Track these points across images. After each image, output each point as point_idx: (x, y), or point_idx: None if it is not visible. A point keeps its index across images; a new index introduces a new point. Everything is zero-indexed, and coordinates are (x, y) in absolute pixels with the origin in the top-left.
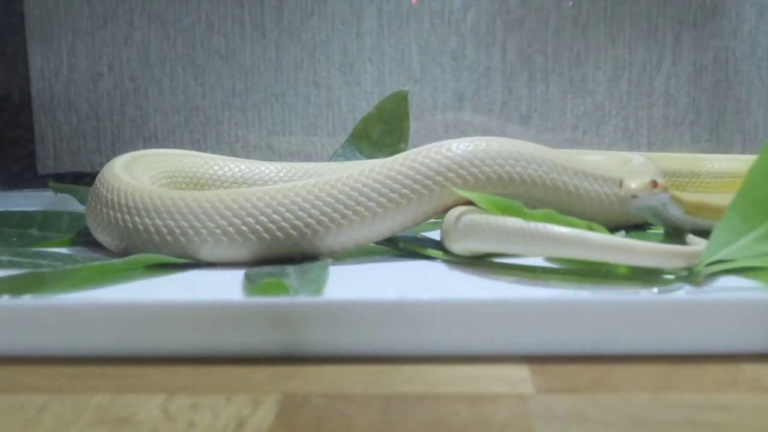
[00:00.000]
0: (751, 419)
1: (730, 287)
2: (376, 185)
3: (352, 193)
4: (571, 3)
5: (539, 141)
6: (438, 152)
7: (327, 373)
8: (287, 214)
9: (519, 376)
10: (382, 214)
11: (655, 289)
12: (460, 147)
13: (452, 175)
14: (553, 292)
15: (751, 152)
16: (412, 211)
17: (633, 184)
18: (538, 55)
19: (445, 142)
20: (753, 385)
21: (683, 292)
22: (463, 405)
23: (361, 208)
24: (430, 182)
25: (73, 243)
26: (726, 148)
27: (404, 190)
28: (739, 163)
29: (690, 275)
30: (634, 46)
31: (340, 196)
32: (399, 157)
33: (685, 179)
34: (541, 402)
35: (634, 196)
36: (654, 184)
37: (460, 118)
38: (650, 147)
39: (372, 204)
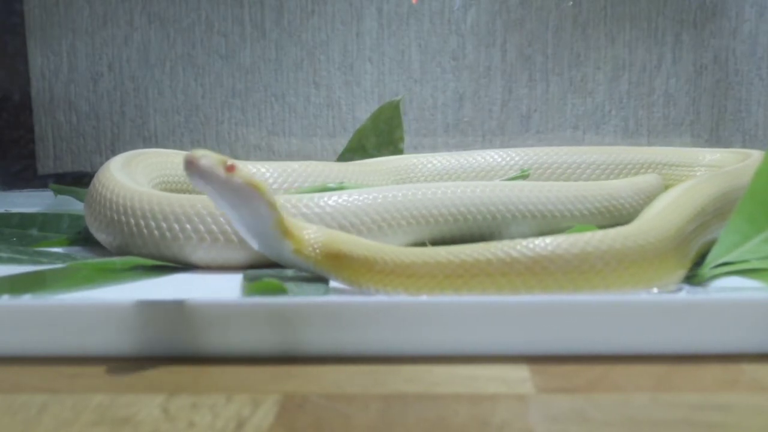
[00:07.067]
0: (751, 419)
1: (731, 287)
2: (379, 210)
3: (359, 211)
4: (571, 3)
5: (539, 141)
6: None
7: (327, 373)
8: None
9: (519, 376)
10: (386, 229)
11: (655, 289)
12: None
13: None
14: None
15: None
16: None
17: (197, 154)
18: (538, 55)
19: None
20: (753, 385)
21: (683, 292)
22: (462, 405)
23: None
24: (407, 214)
25: (72, 243)
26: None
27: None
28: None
29: (695, 277)
30: (634, 46)
31: (336, 214)
32: (401, 189)
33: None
34: (541, 402)
35: (193, 168)
36: (228, 166)
37: (460, 118)
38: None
39: (375, 219)
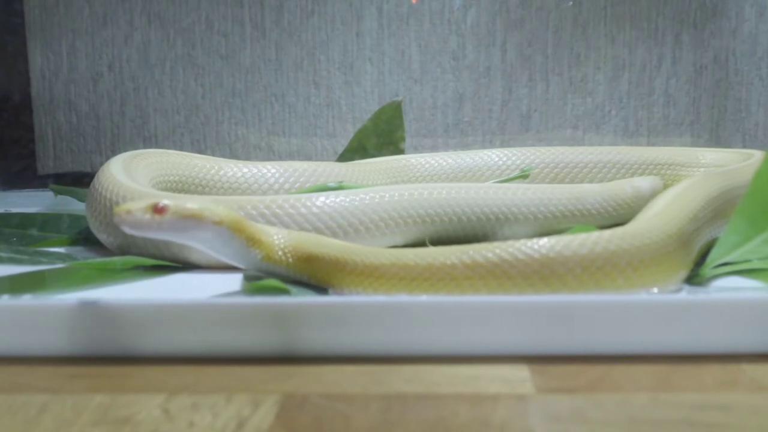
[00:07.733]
0: (751, 419)
1: (731, 287)
2: (367, 211)
3: (355, 211)
4: (571, 3)
5: (539, 141)
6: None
7: (327, 373)
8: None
9: (519, 376)
10: (373, 230)
11: (655, 289)
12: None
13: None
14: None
15: None
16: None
17: (123, 208)
18: (538, 55)
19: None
20: (753, 385)
21: (683, 292)
22: (462, 405)
23: (361, 227)
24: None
25: (72, 243)
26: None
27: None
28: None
29: (695, 277)
30: (634, 46)
31: (334, 214)
32: (393, 190)
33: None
34: (541, 402)
35: (123, 225)
36: (157, 208)
37: (460, 118)
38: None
39: (363, 221)
